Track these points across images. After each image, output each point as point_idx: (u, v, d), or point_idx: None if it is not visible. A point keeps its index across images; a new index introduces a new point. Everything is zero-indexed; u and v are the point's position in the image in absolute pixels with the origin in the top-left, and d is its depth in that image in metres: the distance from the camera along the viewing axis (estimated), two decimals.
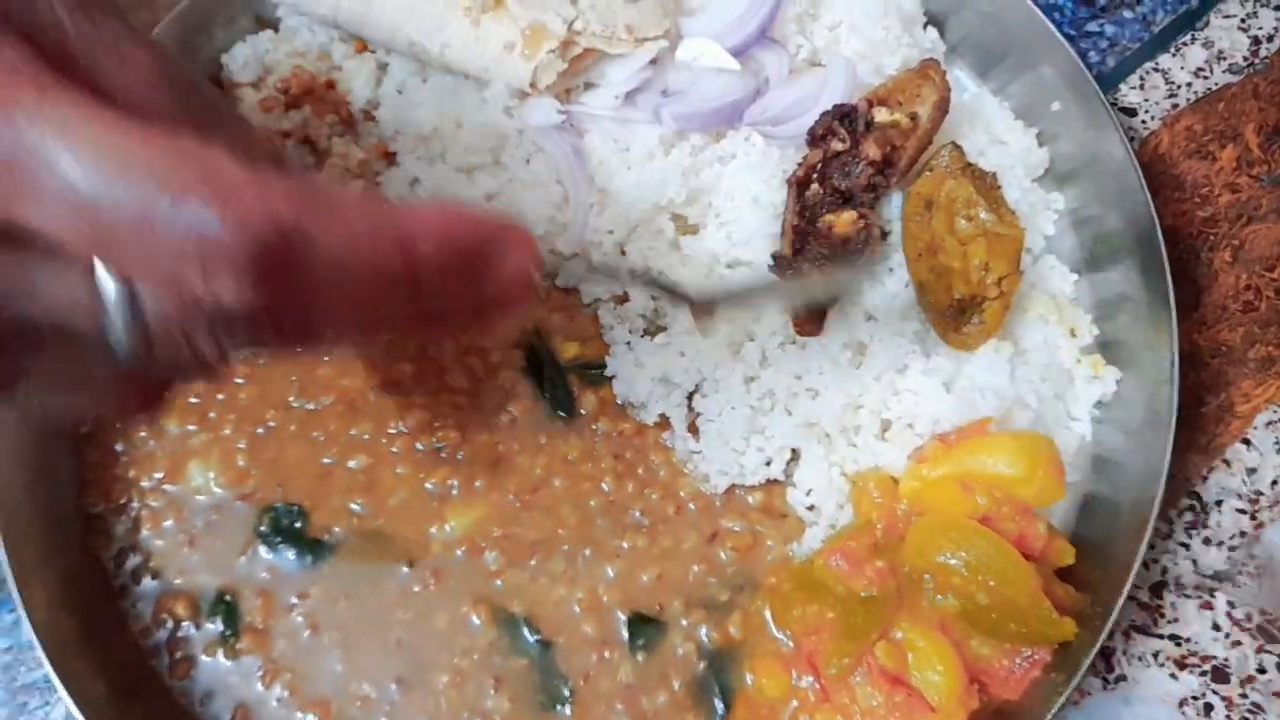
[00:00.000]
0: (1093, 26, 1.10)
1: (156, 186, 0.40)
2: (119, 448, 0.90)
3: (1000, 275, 0.84)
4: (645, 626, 0.85)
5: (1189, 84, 1.06)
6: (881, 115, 0.90)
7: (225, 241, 0.41)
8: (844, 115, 0.90)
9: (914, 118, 0.90)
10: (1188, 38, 1.08)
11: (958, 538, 0.76)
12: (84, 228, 0.41)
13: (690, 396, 0.91)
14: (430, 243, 0.47)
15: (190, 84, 0.49)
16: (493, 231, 0.50)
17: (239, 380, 0.93)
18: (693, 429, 0.91)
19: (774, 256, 0.87)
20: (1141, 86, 1.06)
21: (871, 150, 0.88)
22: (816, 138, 0.90)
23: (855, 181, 0.88)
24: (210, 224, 0.41)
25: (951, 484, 0.79)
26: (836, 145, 0.89)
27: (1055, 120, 0.98)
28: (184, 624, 0.86)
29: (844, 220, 0.87)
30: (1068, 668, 0.77)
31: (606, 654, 0.85)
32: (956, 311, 0.85)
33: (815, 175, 0.90)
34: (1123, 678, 0.85)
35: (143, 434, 0.91)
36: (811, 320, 0.86)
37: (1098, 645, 0.76)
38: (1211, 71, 1.06)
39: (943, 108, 0.91)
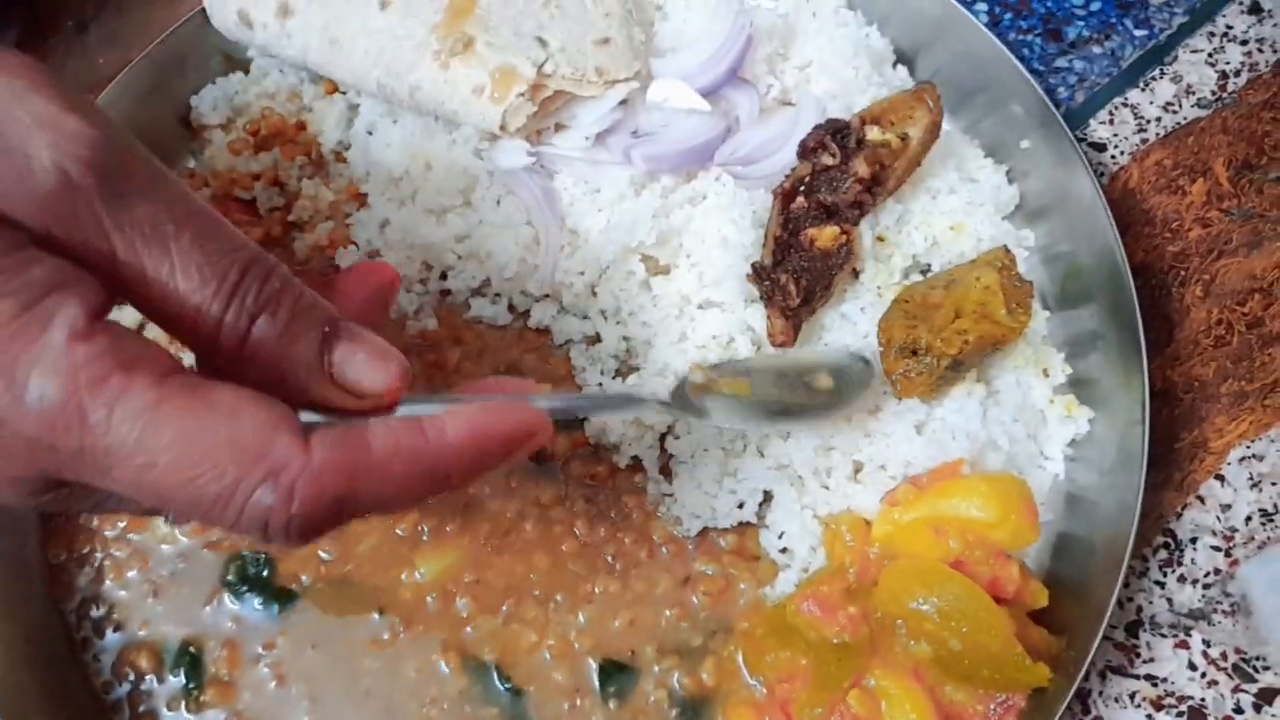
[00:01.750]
0: (1061, 62, 1.11)
1: (223, 484, 0.48)
2: None
3: (966, 342, 0.84)
4: (617, 673, 0.84)
5: (1158, 119, 1.07)
6: (873, 134, 0.90)
7: (284, 522, 0.50)
8: (836, 131, 0.90)
9: (904, 138, 0.91)
10: (1156, 72, 1.08)
11: (930, 583, 0.75)
12: (155, 501, 0.50)
13: (663, 438, 0.91)
14: (464, 466, 0.54)
15: (225, 234, 0.53)
16: (520, 433, 0.57)
17: None
18: (665, 471, 0.90)
19: (753, 266, 0.87)
20: (1111, 121, 1.07)
21: (861, 168, 0.88)
22: (807, 150, 0.90)
23: (842, 197, 0.88)
24: (273, 510, 0.49)
25: (924, 527, 0.78)
26: (826, 160, 0.89)
27: (1025, 157, 0.98)
28: (147, 677, 0.84)
29: (826, 235, 0.87)
30: (1043, 713, 0.76)
31: (578, 701, 0.84)
32: (908, 351, 0.84)
33: (802, 188, 0.90)
34: (1099, 719, 0.84)
35: None
36: (786, 332, 0.86)
37: (1072, 690, 0.76)
38: (1180, 106, 1.07)
39: (934, 131, 0.91)
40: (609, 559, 0.88)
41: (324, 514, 0.50)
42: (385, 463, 0.52)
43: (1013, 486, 0.80)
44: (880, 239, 0.91)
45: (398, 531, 0.88)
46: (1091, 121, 1.08)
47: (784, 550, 0.87)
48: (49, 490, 0.51)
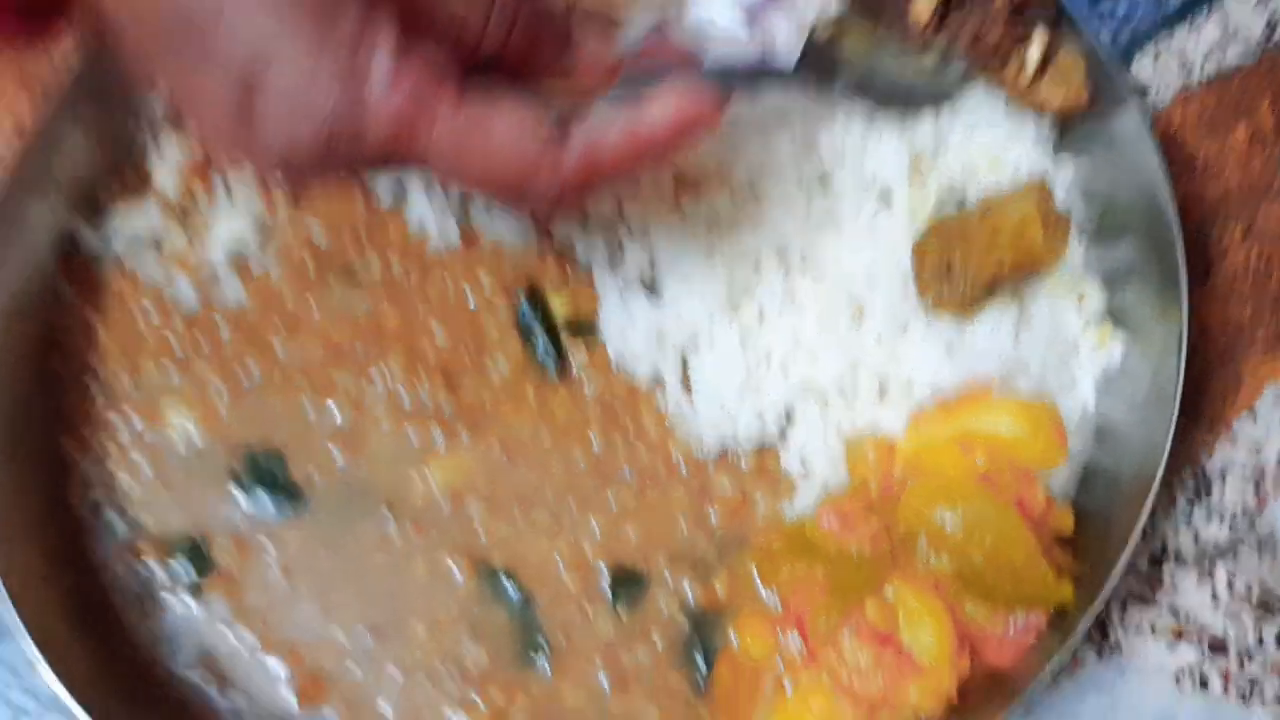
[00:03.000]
0: (1105, 5, 1.08)
1: (521, 185, 0.61)
2: (93, 387, 0.88)
3: (1002, 265, 0.82)
4: (629, 583, 0.83)
5: (1202, 63, 1.04)
6: None
7: (558, 191, 0.62)
8: None
9: None
10: (1203, 16, 1.06)
11: (954, 496, 0.74)
12: (455, 179, 0.63)
13: (684, 357, 0.89)
14: (665, 141, 0.66)
15: None
16: (709, 119, 0.67)
17: (223, 328, 0.90)
18: (686, 388, 0.89)
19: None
20: (1154, 64, 1.05)
21: None
22: None
23: None
24: (550, 183, 0.61)
25: (950, 445, 0.76)
26: None
27: None
28: (151, 565, 0.83)
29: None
30: (1063, 633, 0.74)
31: (588, 609, 0.82)
32: (942, 272, 0.83)
33: None
34: (1118, 647, 0.82)
35: (120, 373, 0.89)
36: None
37: (1094, 612, 0.74)
38: (1226, 51, 1.04)
39: None
40: (624, 473, 0.87)
41: (582, 182, 0.62)
42: (612, 151, 0.63)
43: (1043, 408, 0.78)
44: (916, 162, 0.89)
45: (411, 437, 0.87)
46: (1134, 65, 1.05)
47: (805, 470, 0.85)
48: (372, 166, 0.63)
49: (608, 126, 0.62)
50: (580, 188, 0.62)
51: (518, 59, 0.64)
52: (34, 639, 0.74)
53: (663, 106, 0.63)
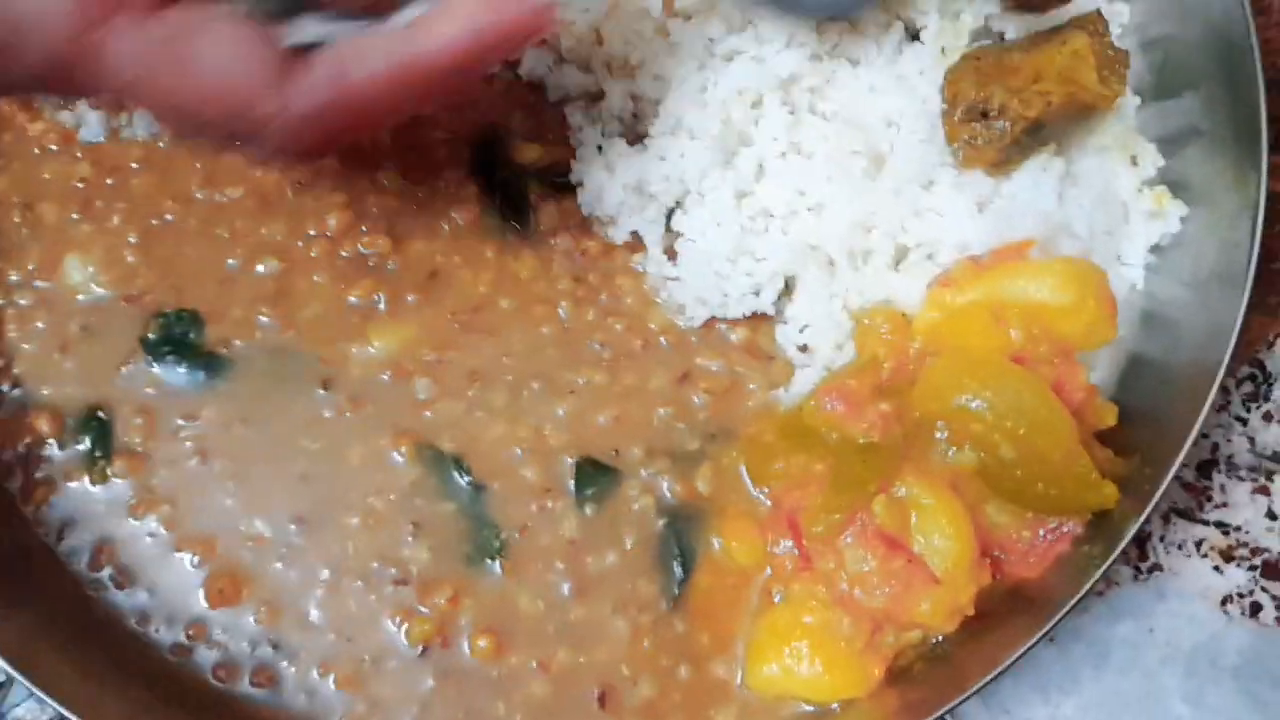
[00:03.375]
0: None
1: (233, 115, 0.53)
2: None
3: (1049, 103, 0.69)
4: (597, 474, 0.72)
5: None
6: None
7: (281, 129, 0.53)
8: None
9: None
10: None
11: (984, 375, 0.62)
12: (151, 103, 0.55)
13: (669, 214, 0.76)
14: (456, 66, 0.54)
15: None
16: (521, 27, 0.54)
17: (134, 165, 0.78)
18: (669, 253, 0.76)
19: None
20: None
21: None
22: None
23: None
24: (272, 118, 0.53)
25: (981, 312, 0.64)
26: None
27: None
28: (46, 441, 0.72)
29: None
30: (1103, 544, 0.63)
31: (549, 504, 0.71)
32: (977, 112, 0.70)
33: None
34: (1158, 567, 0.72)
35: (15, 219, 0.76)
36: None
37: (1141, 519, 0.63)
38: None
39: None
40: (596, 347, 0.75)
41: (324, 116, 0.53)
42: (369, 82, 0.53)
43: (1091, 271, 0.66)
44: None
45: (350, 299, 0.75)
46: None
47: (804, 348, 0.74)
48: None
49: (368, 52, 0.52)
50: (322, 123, 0.53)
51: None
52: None
53: (450, 21, 0.53)
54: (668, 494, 0.72)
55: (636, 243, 0.77)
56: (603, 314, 0.76)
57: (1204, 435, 0.74)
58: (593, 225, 0.77)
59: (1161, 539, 0.72)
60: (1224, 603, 0.71)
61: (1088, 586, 0.62)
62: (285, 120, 0.52)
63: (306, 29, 0.54)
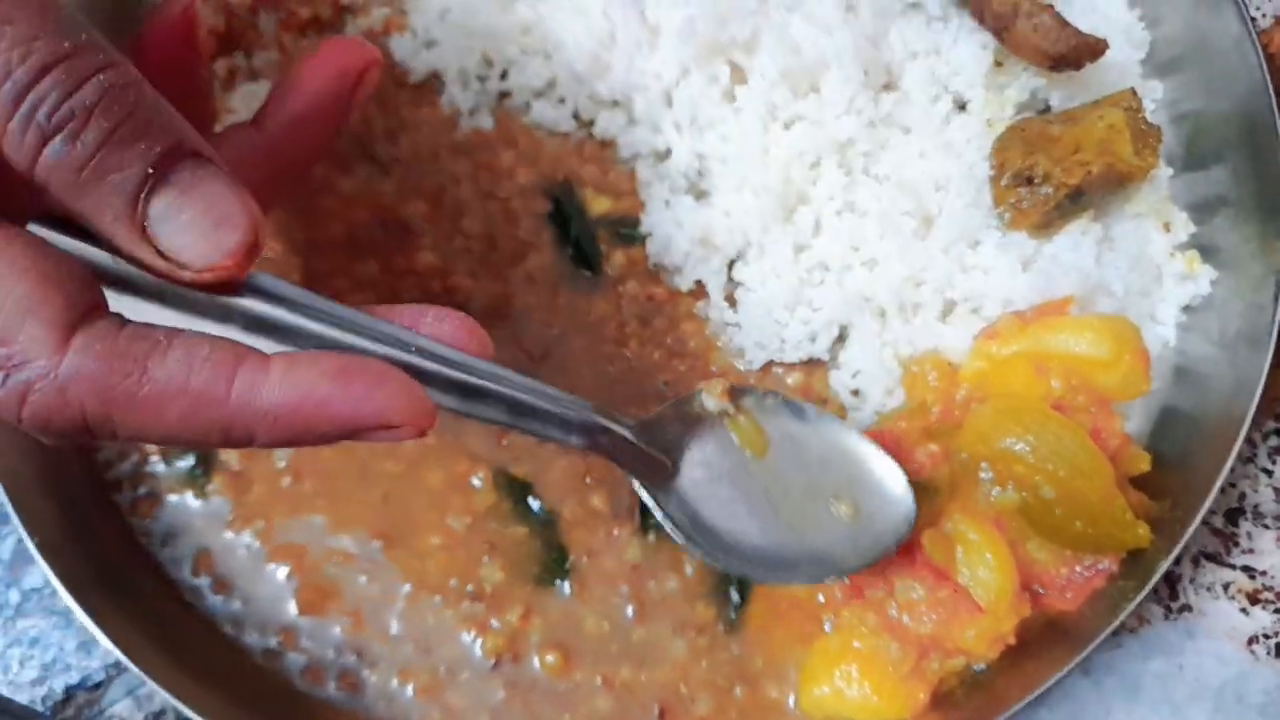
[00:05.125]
0: None
1: None
2: None
3: (1090, 172, 0.75)
4: None
5: None
6: None
7: (16, 419, 0.41)
8: None
9: None
10: None
11: (1027, 421, 0.67)
12: None
13: (731, 265, 0.82)
14: (273, 435, 0.44)
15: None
16: (368, 422, 0.45)
17: None
18: (730, 300, 0.82)
19: None
20: None
21: None
22: None
23: None
24: (5, 405, 0.41)
25: (1023, 363, 0.70)
26: None
27: (1160, 2, 0.87)
28: (151, 458, 0.78)
29: None
30: (1136, 581, 0.68)
31: (615, 530, 0.76)
32: (1023, 179, 0.75)
33: None
34: (1188, 607, 0.76)
35: None
36: None
37: (1172, 556, 0.68)
38: None
39: None
40: (661, 386, 0.80)
41: (62, 429, 0.42)
42: (159, 400, 0.41)
43: (1127, 328, 0.71)
44: (998, 63, 0.81)
45: None
46: None
47: (855, 393, 0.79)
48: None
49: (178, 365, 0.42)
50: (70, 426, 0.42)
51: (65, 202, 0.42)
52: (30, 536, 0.69)
53: (311, 373, 0.44)
54: None
55: (700, 290, 0.82)
56: (667, 355, 0.81)
57: (1232, 485, 0.79)
58: (659, 273, 0.83)
59: (1191, 581, 0.76)
60: (1250, 643, 0.75)
61: (1120, 619, 0.67)
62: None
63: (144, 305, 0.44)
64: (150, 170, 0.41)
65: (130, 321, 0.42)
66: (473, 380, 0.48)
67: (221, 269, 0.42)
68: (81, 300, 0.40)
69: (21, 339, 0.39)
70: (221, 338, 0.42)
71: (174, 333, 0.42)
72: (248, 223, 0.42)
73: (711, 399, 0.63)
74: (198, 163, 0.42)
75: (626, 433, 0.56)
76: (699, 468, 0.61)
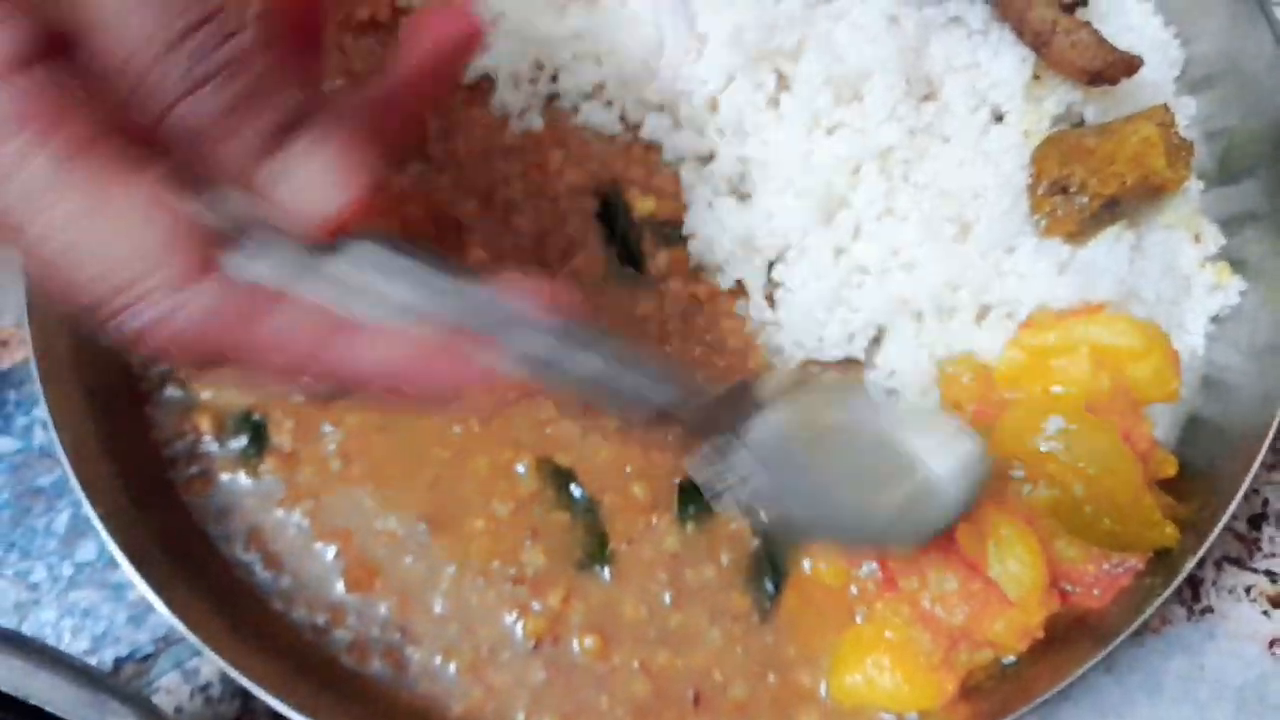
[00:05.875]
0: None
1: (103, 286, 0.43)
2: None
3: (1124, 183, 0.77)
4: (698, 496, 0.79)
5: None
6: None
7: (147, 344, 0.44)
8: None
9: None
10: None
11: (1060, 420, 0.69)
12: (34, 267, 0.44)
13: (771, 265, 0.85)
14: (361, 390, 0.48)
15: None
16: (444, 391, 0.49)
17: None
18: (770, 299, 0.84)
19: None
20: None
21: None
22: None
23: None
24: (140, 332, 0.44)
25: (1059, 352, 0.72)
26: None
27: (1195, 18, 0.90)
28: (206, 438, 0.81)
29: None
30: (1162, 579, 0.70)
31: (654, 519, 0.79)
32: (1059, 187, 0.78)
33: None
34: (1210, 610, 0.78)
35: None
36: None
37: (1198, 556, 0.69)
38: None
39: None
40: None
41: (185, 355, 0.45)
42: (267, 348, 0.45)
43: (1157, 330, 0.74)
44: (1036, 77, 0.84)
45: None
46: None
47: (890, 392, 0.81)
48: None
49: (287, 323, 0.45)
50: (192, 353, 0.45)
51: (197, 148, 0.43)
52: (92, 504, 0.72)
53: (389, 348, 0.46)
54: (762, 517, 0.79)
55: (740, 289, 0.85)
56: (708, 351, 0.84)
57: (1255, 491, 0.81)
58: (701, 273, 0.86)
59: (1214, 584, 0.78)
60: (1271, 645, 0.77)
61: (1146, 616, 0.69)
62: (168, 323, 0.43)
63: (253, 265, 0.45)
64: (279, 125, 0.43)
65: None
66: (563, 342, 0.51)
67: (335, 222, 0.45)
68: (204, 252, 0.44)
69: (156, 276, 0.42)
70: (320, 306, 0.45)
71: (279, 295, 0.45)
72: (362, 180, 0.45)
73: (774, 381, 0.65)
74: (321, 120, 0.44)
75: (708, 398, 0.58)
76: (761, 438, 0.63)
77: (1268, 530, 0.80)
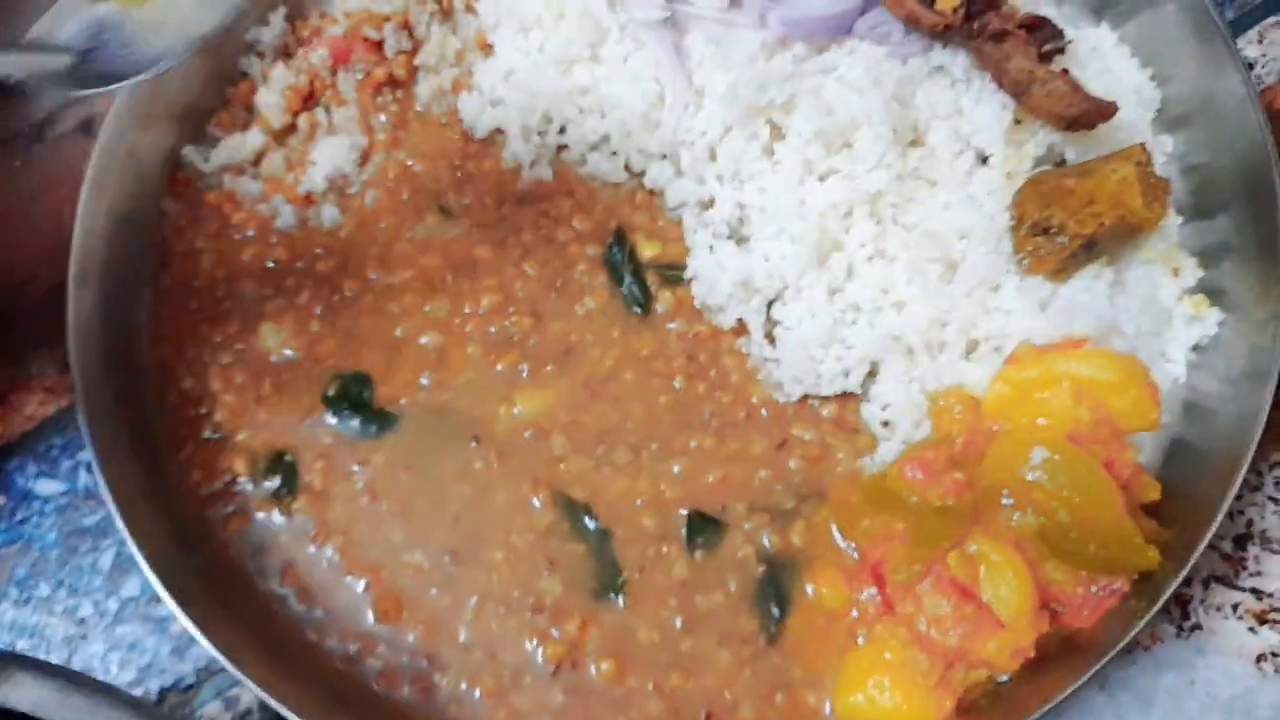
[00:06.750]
0: None
1: None
2: (193, 304, 0.90)
3: (1102, 224, 0.81)
4: (705, 526, 0.83)
5: None
6: None
7: None
8: None
9: None
10: None
11: (1044, 451, 0.73)
12: None
13: (770, 305, 0.89)
14: None
15: None
16: None
17: (319, 251, 0.92)
18: (769, 337, 0.89)
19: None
20: (1260, 42, 1.03)
21: None
22: None
23: None
24: None
25: (1043, 385, 0.76)
26: None
27: (1170, 61, 0.94)
28: (241, 479, 0.85)
29: None
30: (1146, 601, 0.74)
31: (664, 549, 0.83)
32: (1040, 229, 0.82)
33: None
34: (1198, 627, 0.81)
35: (219, 293, 0.91)
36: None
37: (1180, 578, 0.73)
38: None
39: None
40: (705, 416, 0.87)
41: None
42: None
43: (1136, 364, 0.78)
44: (1017, 121, 0.88)
45: (497, 368, 0.88)
46: (1240, 40, 1.03)
47: (886, 424, 0.85)
48: None
49: None
50: None
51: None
52: (137, 544, 0.76)
53: None
54: (767, 545, 0.83)
55: (741, 328, 0.89)
56: (711, 388, 0.88)
57: (1240, 512, 0.84)
58: (704, 312, 0.90)
59: (1202, 602, 0.82)
60: (1259, 660, 0.80)
61: (1132, 635, 0.72)
62: None
63: None
64: None
65: None
66: None
67: None
68: None
69: None
70: None
71: None
72: None
73: None
74: None
75: None
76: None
77: (1253, 549, 0.83)
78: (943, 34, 0.89)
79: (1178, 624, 0.81)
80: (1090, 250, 0.81)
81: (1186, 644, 0.81)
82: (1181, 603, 0.82)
